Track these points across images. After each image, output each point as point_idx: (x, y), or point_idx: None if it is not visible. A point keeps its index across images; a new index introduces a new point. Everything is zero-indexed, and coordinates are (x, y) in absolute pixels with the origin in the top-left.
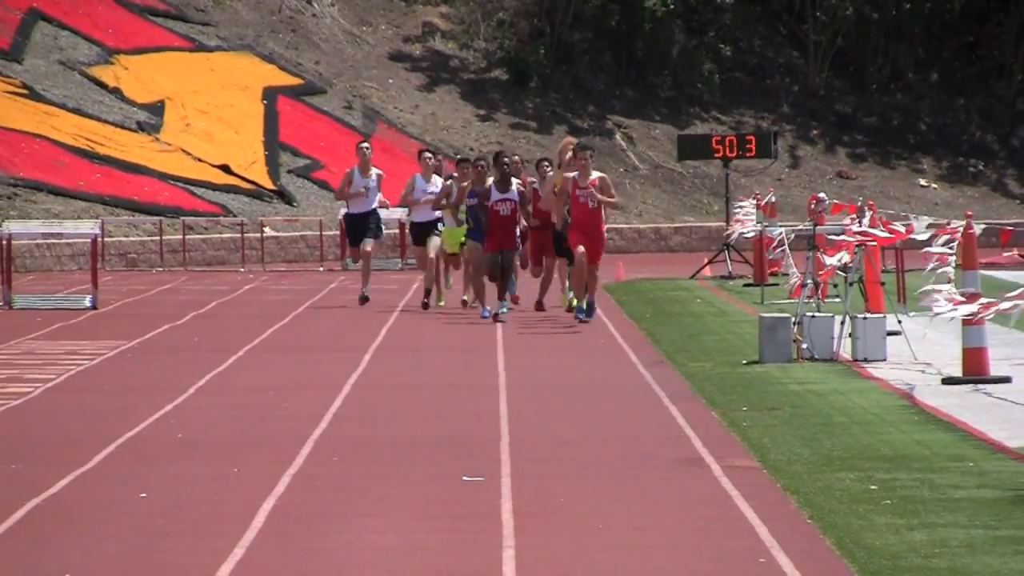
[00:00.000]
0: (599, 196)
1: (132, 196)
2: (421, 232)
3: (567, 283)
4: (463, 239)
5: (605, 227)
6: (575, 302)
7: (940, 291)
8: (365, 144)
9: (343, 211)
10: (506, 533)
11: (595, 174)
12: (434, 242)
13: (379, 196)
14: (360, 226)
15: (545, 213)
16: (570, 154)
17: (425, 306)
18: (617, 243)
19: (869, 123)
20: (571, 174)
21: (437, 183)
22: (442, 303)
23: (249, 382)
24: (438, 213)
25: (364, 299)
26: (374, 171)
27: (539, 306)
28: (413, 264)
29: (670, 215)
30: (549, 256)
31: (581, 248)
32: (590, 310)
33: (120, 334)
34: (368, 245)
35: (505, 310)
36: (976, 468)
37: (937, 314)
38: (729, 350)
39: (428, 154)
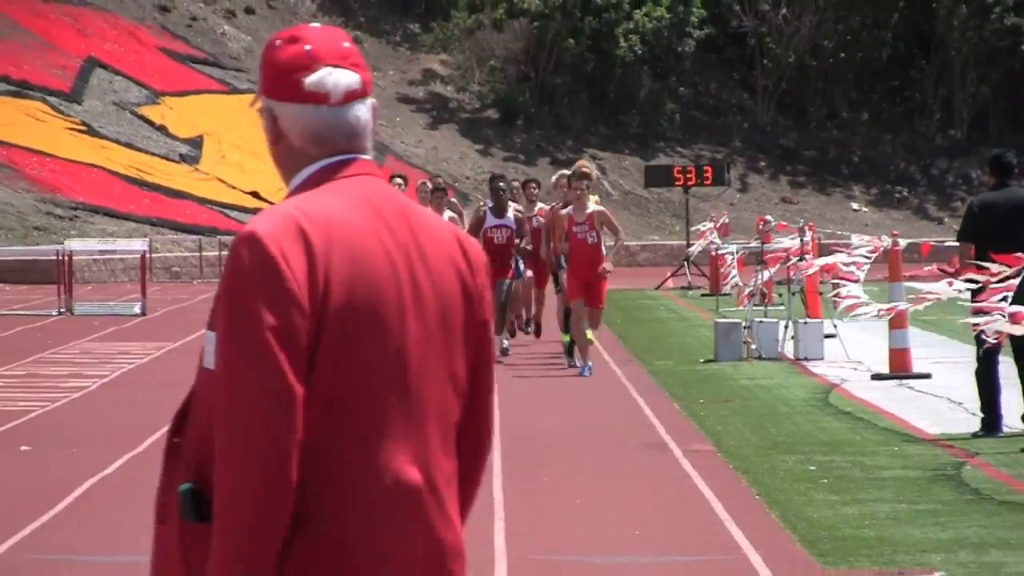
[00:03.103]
0: (610, 263)
1: (175, 218)
2: None
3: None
4: None
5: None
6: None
7: (847, 298)
8: (399, 179)
9: None
10: (497, 508)
11: (591, 206)
12: None
13: None
14: None
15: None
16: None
17: None
18: None
19: (809, 155)
20: (565, 210)
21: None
22: None
23: None
24: None
25: None
26: None
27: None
28: None
29: (638, 235)
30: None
31: (580, 302)
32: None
33: (165, 337)
34: None
35: (507, 344)
36: (900, 452)
37: (852, 308)
38: (689, 350)
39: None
